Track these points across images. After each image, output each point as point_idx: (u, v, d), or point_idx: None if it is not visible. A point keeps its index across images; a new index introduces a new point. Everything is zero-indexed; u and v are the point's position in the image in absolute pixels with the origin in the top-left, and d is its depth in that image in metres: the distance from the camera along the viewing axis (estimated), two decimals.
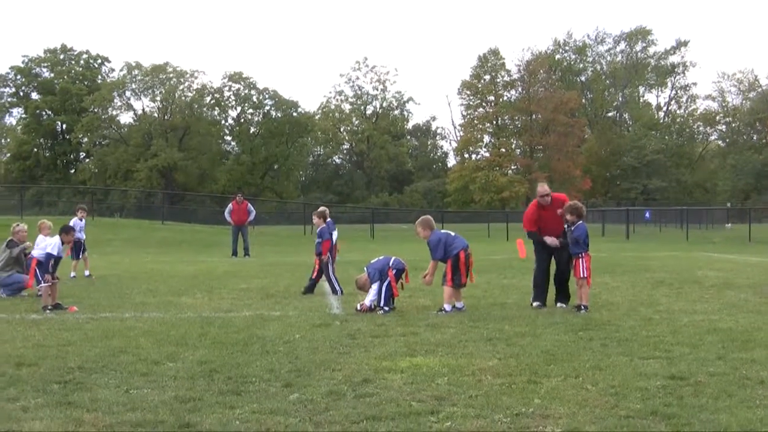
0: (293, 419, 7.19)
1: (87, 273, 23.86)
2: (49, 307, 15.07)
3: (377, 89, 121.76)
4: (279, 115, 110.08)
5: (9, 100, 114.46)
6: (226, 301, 16.74)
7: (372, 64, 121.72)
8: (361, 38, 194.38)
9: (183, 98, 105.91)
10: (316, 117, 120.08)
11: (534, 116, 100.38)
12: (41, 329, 12.66)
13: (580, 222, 14.71)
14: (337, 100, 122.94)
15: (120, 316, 14.31)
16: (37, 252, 15.91)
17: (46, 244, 16.03)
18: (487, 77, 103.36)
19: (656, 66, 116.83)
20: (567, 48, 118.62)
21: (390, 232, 62.17)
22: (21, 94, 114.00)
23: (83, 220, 24.87)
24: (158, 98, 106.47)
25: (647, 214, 73.53)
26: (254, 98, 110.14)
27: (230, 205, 35.50)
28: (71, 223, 20.30)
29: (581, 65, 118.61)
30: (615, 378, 8.62)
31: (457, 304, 14.38)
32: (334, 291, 17.86)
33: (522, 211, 20.48)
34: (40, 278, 15.55)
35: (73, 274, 23.47)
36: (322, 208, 19.30)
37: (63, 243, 16.24)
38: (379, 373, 9.05)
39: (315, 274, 18.25)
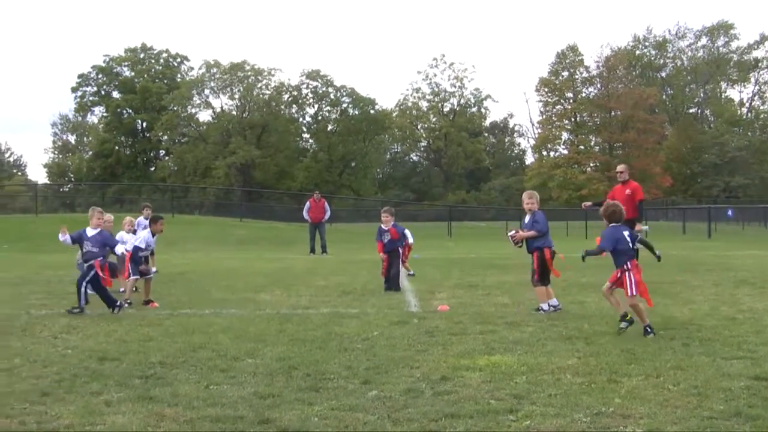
0: (372, 416, 7.19)
1: (153, 269, 24.20)
2: (129, 301, 15.24)
3: (455, 86, 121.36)
4: (356, 112, 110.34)
5: (91, 98, 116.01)
6: (304, 298, 16.81)
7: (450, 61, 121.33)
8: (439, 35, 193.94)
9: (261, 96, 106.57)
10: (394, 114, 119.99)
11: (613, 113, 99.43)
12: (123, 325, 12.84)
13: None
14: (414, 97, 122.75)
15: (200, 312, 14.45)
16: (121, 249, 16.05)
17: (136, 238, 16.34)
18: (566, 74, 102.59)
19: (739, 61, 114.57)
20: (647, 43, 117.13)
21: (467, 230, 62.05)
22: (102, 92, 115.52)
23: (148, 219, 25.23)
24: (236, 96, 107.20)
25: (730, 212, 72.37)
26: (332, 95, 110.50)
27: (308, 203, 35.68)
28: (137, 222, 20.66)
29: (661, 61, 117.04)
30: (697, 378, 8.49)
31: (552, 301, 14.13)
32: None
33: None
34: (131, 272, 15.89)
35: (154, 269, 23.89)
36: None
37: (153, 234, 16.59)
38: (457, 370, 9.01)
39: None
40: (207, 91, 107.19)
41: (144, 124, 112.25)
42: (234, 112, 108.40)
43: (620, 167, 20.81)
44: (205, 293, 17.97)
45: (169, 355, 10.15)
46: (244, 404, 7.62)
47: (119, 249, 15.93)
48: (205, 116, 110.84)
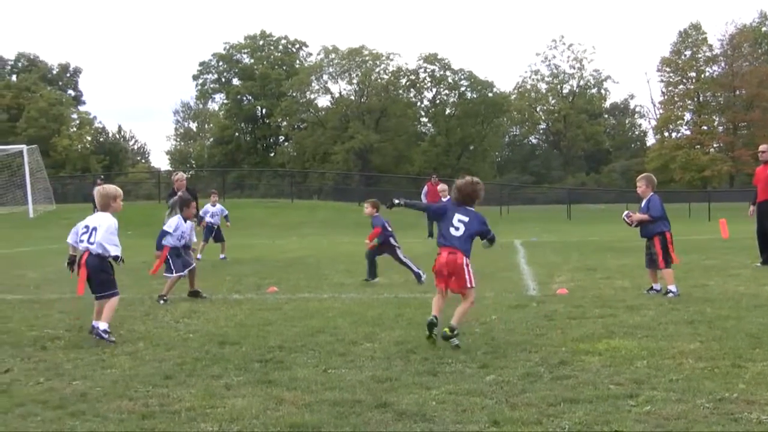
0: (489, 400, 7.15)
1: (222, 256, 24.27)
2: (165, 298, 14.39)
3: (574, 68, 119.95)
4: (474, 95, 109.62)
5: (212, 86, 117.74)
6: None
7: (569, 42, 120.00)
8: (558, 16, 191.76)
9: (379, 80, 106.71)
10: (512, 97, 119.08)
11: (737, 92, 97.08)
12: (243, 309, 13.03)
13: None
14: (532, 79, 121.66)
15: (318, 296, 14.57)
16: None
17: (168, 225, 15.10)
18: (688, 53, 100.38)
19: None
20: None
21: (587, 213, 61.39)
22: (223, 80, 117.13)
23: (216, 205, 25.33)
24: (355, 81, 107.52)
25: None
26: (449, 79, 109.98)
27: (426, 187, 35.74)
28: (203, 210, 20.53)
29: None
30: None
31: (655, 285, 13.98)
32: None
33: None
34: (172, 266, 14.73)
35: (199, 255, 23.07)
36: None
37: (186, 220, 15.21)
38: (576, 355, 8.92)
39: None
40: (325, 77, 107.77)
41: (263, 111, 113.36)
42: (352, 97, 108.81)
43: (763, 147, 20.18)
44: (323, 277, 18.13)
45: (287, 339, 10.26)
46: (362, 388, 7.65)
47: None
48: (323, 102, 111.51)
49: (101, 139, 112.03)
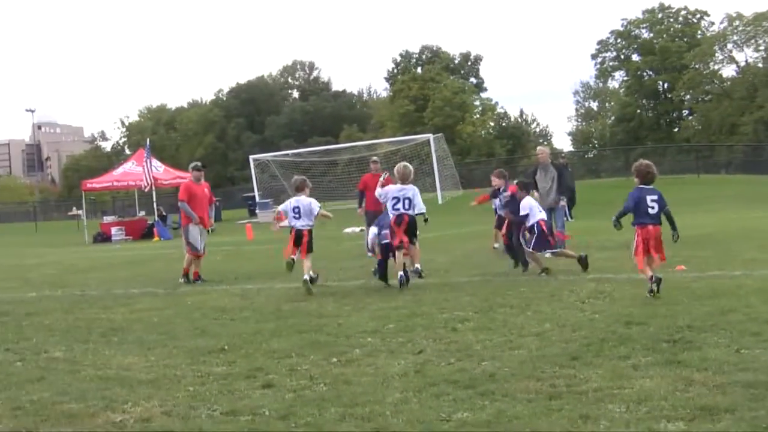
0: None
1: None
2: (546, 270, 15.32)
3: None
4: None
5: (611, 64, 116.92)
6: None
7: None
8: None
9: None
10: None
11: None
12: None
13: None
14: None
15: (729, 273, 14.06)
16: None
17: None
18: None
19: None
20: None
21: None
22: (622, 57, 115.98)
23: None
24: (762, 48, 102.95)
25: None
26: None
27: None
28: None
29: None
30: None
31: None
32: None
33: None
34: (533, 241, 15.51)
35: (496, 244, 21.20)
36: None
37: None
38: None
39: None
40: (729, 46, 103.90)
41: (665, 85, 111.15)
42: (760, 65, 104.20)
43: None
44: (734, 254, 17.46)
45: (696, 318, 9.98)
46: None
47: None
48: (728, 72, 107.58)
49: (504, 124, 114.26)
